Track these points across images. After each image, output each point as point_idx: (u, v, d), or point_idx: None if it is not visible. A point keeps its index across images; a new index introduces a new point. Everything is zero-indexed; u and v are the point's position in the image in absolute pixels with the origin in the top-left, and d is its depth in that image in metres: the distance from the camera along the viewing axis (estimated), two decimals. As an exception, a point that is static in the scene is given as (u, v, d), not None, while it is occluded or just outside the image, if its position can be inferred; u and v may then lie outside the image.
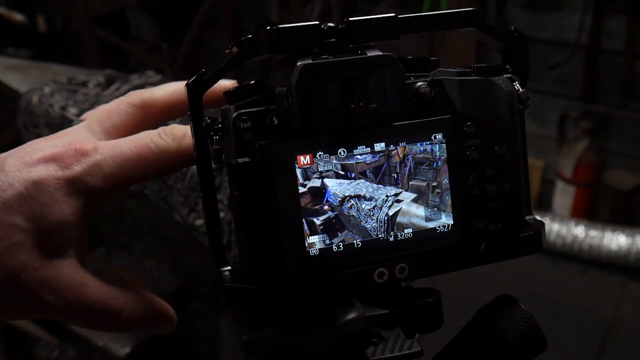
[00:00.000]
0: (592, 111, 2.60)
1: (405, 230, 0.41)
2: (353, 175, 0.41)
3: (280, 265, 0.40)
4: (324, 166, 0.40)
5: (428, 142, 0.41)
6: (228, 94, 0.40)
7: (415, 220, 0.42)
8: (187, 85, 0.40)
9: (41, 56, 2.83)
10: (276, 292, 0.40)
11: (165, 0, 3.55)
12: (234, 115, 0.39)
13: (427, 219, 0.42)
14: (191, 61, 3.22)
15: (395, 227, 0.41)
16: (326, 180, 0.40)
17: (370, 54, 0.40)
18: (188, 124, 0.43)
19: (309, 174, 0.40)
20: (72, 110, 1.39)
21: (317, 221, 0.40)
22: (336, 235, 0.41)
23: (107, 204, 0.47)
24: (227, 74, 0.41)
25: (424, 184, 0.42)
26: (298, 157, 0.39)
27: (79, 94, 1.44)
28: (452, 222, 0.42)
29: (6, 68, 1.70)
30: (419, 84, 0.41)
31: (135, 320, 0.45)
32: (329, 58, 0.39)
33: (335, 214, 0.40)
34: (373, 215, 0.41)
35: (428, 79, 0.42)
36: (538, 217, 0.46)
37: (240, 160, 0.39)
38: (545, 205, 2.79)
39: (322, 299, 0.41)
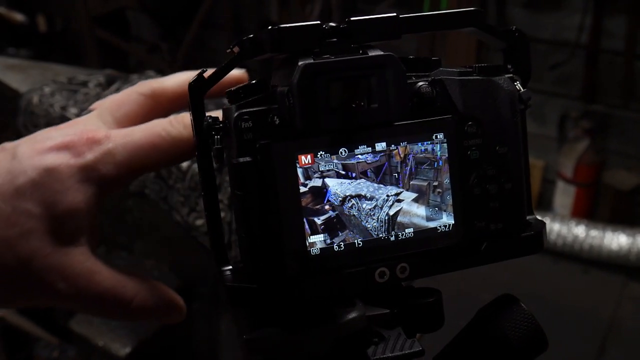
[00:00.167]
0: (592, 111, 2.60)
1: (406, 230, 0.41)
2: (354, 174, 0.41)
3: (281, 265, 0.40)
4: (325, 166, 0.40)
5: (429, 142, 0.41)
6: (230, 93, 0.40)
7: (416, 220, 0.42)
8: (189, 85, 0.40)
9: (41, 56, 2.83)
10: (277, 291, 0.40)
11: (165, 0, 3.55)
12: (236, 114, 0.39)
13: (428, 219, 0.42)
14: (191, 61, 3.22)
15: (396, 227, 0.41)
16: (327, 180, 0.40)
17: (372, 53, 0.40)
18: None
19: (310, 173, 0.40)
20: (72, 110, 1.39)
21: (318, 221, 0.40)
22: (337, 235, 0.41)
23: (107, 202, 0.48)
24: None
25: (425, 183, 0.42)
26: (299, 156, 0.39)
27: (79, 94, 1.44)
28: (453, 222, 0.42)
29: (6, 68, 1.70)
30: (421, 83, 0.41)
31: (145, 309, 0.45)
32: (331, 58, 0.39)
33: (336, 214, 0.40)
34: (374, 214, 0.41)
35: (429, 79, 0.42)
36: (539, 217, 0.46)
37: (241, 159, 0.39)
38: (545, 205, 2.79)
39: (323, 298, 0.41)
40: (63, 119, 1.38)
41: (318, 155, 0.40)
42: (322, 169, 0.40)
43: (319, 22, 0.40)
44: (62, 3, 3.33)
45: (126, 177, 0.44)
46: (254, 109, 0.39)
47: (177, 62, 3.24)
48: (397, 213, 0.41)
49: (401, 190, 0.41)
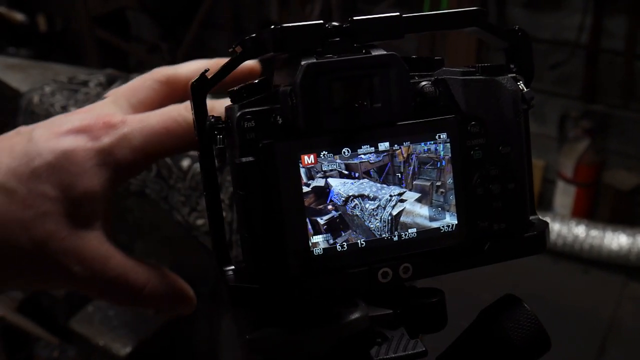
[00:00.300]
0: (592, 111, 2.60)
1: (409, 230, 0.41)
2: (357, 174, 0.40)
3: (284, 265, 0.40)
4: (328, 166, 0.40)
5: (432, 142, 0.41)
6: (232, 93, 0.40)
7: (419, 220, 0.42)
8: (190, 84, 0.40)
9: (41, 56, 2.83)
10: (280, 291, 0.40)
11: (165, 0, 3.55)
12: (238, 114, 0.39)
13: (431, 219, 0.42)
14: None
15: (399, 227, 0.41)
16: (330, 180, 0.40)
17: (375, 53, 0.40)
18: (214, 100, 0.43)
19: (312, 173, 0.40)
20: (73, 110, 1.39)
21: (321, 221, 0.40)
22: (340, 235, 0.40)
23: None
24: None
25: (428, 183, 0.41)
26: (302, 156, 0.39)
27: (80, 94, 1.44)
28: (456, 222, 0.42)
29: (7, 67, 1.70)
30: (424, 83, 0.41)
31: (156, 297, 0.45)
32: (334, 57, 0.39)
33: (339, 214, 0.40)
34: (377, 215, 0.41)
35: (432, 79, 0.42)
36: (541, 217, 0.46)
37: (244, 159, 0.39)
38: (546, 205, 2.79)
39: (326, 298, 0.41)
40: (63, 118, 1.37)
41: (321, 155, 0.40)
42: (325, 169, 0.40)
43: (321, 21, 0.40)
44: (62, 3, 3.33)
45: (141, 162, 0.44)
46: (257, 108, 0.39)
47: (177, 62, 3.23)
48: (400, 213, 0.41)
49: (404, 190, 0.41)
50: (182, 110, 0.44)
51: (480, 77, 0.42)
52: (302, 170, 0.39)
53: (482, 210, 0.42)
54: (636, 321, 2.10)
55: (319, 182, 0.40)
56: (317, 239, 0.40)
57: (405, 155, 0.41)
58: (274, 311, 0.42)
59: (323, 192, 0.40)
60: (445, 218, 0.42)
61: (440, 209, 0.42)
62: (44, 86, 1.47)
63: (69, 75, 1.54)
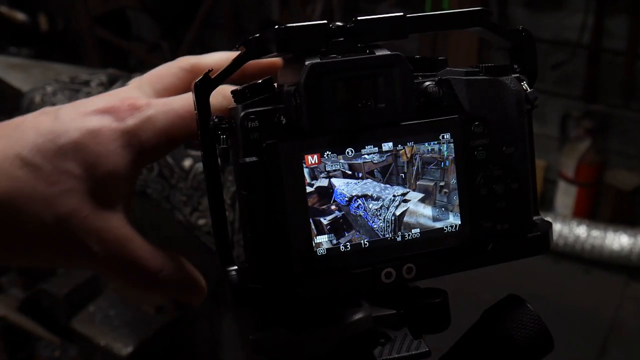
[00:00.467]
0: (594, 111, 2.60)
1: (413, 230, 0.41)
2: (360, 174, 0.40)
3: (287, 265, 0.40)
4: (332, 166, 0.40)
5: (436, 142, 0.41)
6: (235, 93, 0.40)
7: (423, 220, 0.41)
8: (194, 84, 0.40)
9: (43, 55, 2.83)
10: (283, 291, 0.40)
11: (166, -1, 3.56)
12: (242, 114, 0.39)
13: (435, 219, 0.42)
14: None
15: (402, 227, 0.41)
16: (333, 180, 0.40)
17: (379, 53, 0.40)
18: (237, 87, 0.43)
19: (316, 173, 0.40)
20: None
21: (325, 221, 0.40)
22: (343, 235, 0.40)
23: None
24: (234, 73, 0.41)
25: (432, 183, 0.41)
26: (306, 156, 0.39)
27: (82, 93, 1.44)
28: (459, 222, 0.42)
29: (8, 67, 1.70)
30: (427, 83, 0.41)
31: (170, 283, 0.46)
32: (338, 57, 0.39)
33: (343, 214, 0.40)
34: (380, 215, 0.41)
35: (436, 79, 0.41)
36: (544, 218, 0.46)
37: (247, 159, 0.39)
38: (547, 205, 2.79)
39: (329, 299, 0.41)
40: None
41: (325, 155, 0.40)
42: (329, 169, 0.40)
43: (325, 21, 0.40)
44: (62, 3, 3.33)
45: (165, 145, 0.44)
46: (261, 108, 0.39)
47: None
48: (403, 213, 0.41)
49: (408, 190, 0.41)
50: None
51: (484, 77, 0.42)
52: (306, 170, 0.39)
53: (486, 211, 0.42)
54: (637, 321, 2.10)
55: (323, 182, 0.40)
56: (321, 239, 0.40)
57: (408, 155, 0.41)
58: (277, 311, 0.42)
59: (326, 192, 0.40)
60: (448, 218, 0.42)
61: (443, 209, 0.42)
62: (45, 86, 1.47)
63: (71, 74, 1.55)
